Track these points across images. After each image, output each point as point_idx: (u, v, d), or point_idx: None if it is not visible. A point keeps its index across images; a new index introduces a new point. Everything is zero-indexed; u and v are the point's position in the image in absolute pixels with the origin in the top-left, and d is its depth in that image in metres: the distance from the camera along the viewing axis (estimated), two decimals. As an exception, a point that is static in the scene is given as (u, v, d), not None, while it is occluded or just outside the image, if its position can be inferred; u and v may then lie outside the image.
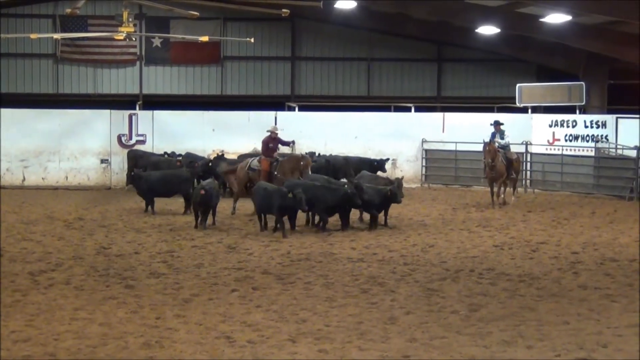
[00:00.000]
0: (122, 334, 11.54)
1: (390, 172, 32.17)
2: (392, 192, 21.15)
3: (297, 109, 34.36)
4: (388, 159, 29.99)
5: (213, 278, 15.34)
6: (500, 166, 25.57)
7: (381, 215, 21.65)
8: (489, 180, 26.07)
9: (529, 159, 30.95)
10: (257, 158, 24.79)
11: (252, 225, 21.69)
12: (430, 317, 12.59)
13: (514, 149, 27.89)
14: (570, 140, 31.05)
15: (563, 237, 20.22)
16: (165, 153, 30.36)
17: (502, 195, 26.15)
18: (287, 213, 20.31)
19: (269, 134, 24.84)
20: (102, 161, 32.14)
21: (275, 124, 32.00)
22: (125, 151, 31.53)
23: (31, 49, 37.91)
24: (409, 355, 10.71)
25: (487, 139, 25.89)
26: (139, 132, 32.22)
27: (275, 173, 23.79)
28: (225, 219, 22.78)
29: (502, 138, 26.19)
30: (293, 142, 27.24)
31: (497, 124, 26.41)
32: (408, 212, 24.22)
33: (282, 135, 32.31)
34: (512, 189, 26.80)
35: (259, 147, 31.22)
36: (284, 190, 19.95)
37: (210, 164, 27.88)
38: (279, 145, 25.00)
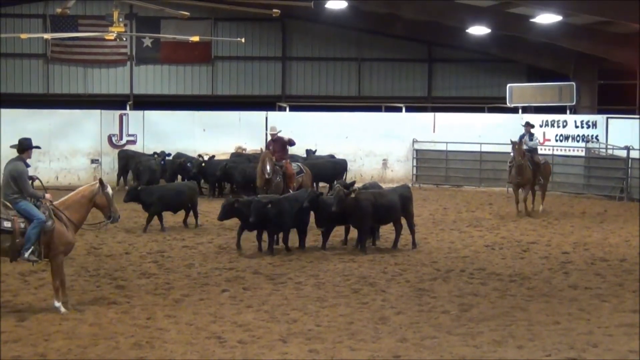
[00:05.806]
0: (112, 334, 11.52)
1: (381, 172, 32.25)
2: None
3: (287, 109, 34.35)
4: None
5: (204, 278, 15.33)
6: (527, 171, 23.58)
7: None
8: (514, 185, 24.09)
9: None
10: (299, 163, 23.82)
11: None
12: (421, 317, 12.60)
13: (502, 149, 27.83)
14: (561, 141, 31.13)
15: (553, 237, 20.26)
16: (155, 153, 30.26)
17: (532, 205, 23.99)
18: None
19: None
20: (93, 161, 32.05)
21: (267, 124, 31.98)
22: (116, 151, 31.46)
23: (21, 49, 37.77)
24: (399, 355, 10.71)
25: (515, 139, 23.83)
26: (130, 132, 32.17)
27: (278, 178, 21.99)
28: (215, 219, 22.68)
29: (531, 140, 24.21)
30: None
31: (528, 125, 24.46)
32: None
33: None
34: (541, 196, 24.70)
35: (244, 146, 31.27)
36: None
37: (203, 164, 27.79)
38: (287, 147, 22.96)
